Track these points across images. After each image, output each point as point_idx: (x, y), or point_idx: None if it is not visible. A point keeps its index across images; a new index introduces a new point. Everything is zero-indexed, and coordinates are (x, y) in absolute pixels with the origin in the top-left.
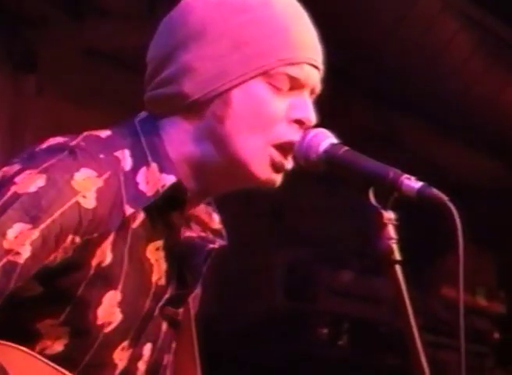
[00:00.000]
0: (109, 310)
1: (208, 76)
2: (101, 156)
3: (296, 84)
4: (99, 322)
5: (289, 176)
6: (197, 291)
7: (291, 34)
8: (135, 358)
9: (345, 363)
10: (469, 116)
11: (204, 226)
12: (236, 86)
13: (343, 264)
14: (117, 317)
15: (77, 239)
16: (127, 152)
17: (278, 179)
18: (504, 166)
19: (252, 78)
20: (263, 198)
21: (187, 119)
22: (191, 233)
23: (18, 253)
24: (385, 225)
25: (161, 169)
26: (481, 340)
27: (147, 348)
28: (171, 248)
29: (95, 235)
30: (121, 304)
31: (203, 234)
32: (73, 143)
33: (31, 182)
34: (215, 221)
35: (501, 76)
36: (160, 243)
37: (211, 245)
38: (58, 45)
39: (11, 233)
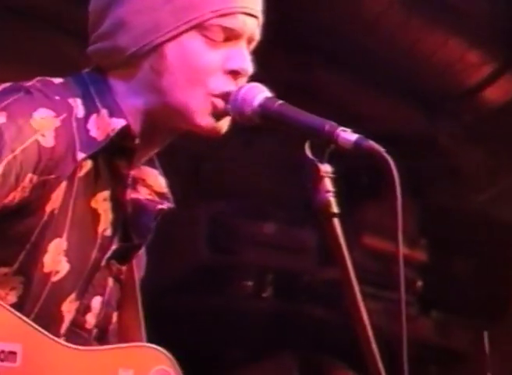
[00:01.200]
0: (56, 258)
1: (141, 30)
2: (57, 98)
3: (231, 35)
4: (46, 270)
5: None
6: (142, 254)
7: None
8: (83, 310)
9: (270, 315)
10: (389, 66)
11: (151, 189)
12: (170, 39)
13: (265, 215)
14: (64, 266)
15: (35, 178)
16: (79, 101)
17: (222, 126)
18: (424, 116)
19: (186, 31)
20: (182, 151)
21: (127, 72)
22: (138, 195)
23: None
24: (322, 178)
25: (111, 114)
26: (405, 288)
27: (95, 301)
28: (117, 200)
29: (52, 177)
30: (67, 253)
31: (149, 197)
32: (28, 84)
33: None
34: (162, 185)
35: (418, 25)
36: (107, 193)
37: (160, 206)
38: None
39: None
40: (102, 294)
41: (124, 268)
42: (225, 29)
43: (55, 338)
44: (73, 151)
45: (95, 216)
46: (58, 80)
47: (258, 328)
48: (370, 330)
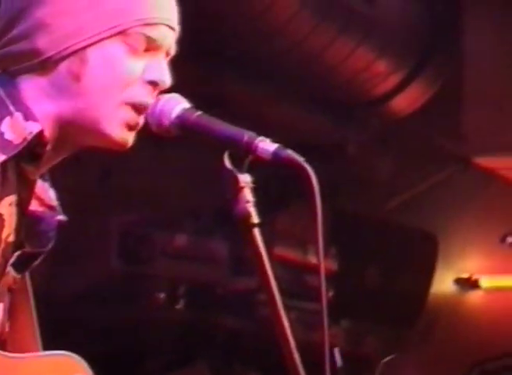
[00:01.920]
0: None
1: (62, 33)
2: None
3: (152, 46)
4: None
5: None
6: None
7: None
8: None
9: (183, 326)
10: (296, 74)
11: (41, 201)
12: (92, 44)
13: (177, 226)
14: None
15: None
16: None
17: (130, 138)
18: (333, 124)
19: (108, 37)
20: (91, 161)
21: (41, 76)
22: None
23: None
24: (241, 188)
25: (26, 118)
26: (316, 298)
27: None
28: (23, 206)
29: None
30: None
31: (40, 209)
32: None
33: None
34: (52, 197)
35: (327, 33)
36: (13, 198)
37: (59, 216)
38: None
39: None
40: (3, 302)
41: (18, 277)
42: (147, 38)
43: None
44: None
45: (1, 220)
46: None
47: (171, 339)
48: (292, 339)
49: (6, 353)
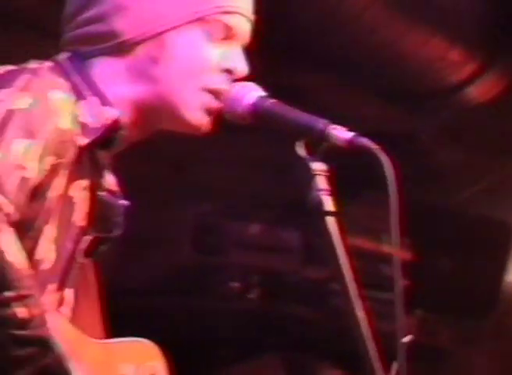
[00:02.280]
0: (48, 246)
1: (143, 17)
2: (60, 81)
3: (229, 34)
4: (37, 257)
5: None
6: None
7: None
8: (59, 302)
9: (256, 315)
10: (368, 64)
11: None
12: (172, 29)
13: (250, 216)
14: (51, 255)
15: (53, 161)
16: (68, 84)
17: (208, 122)
18: (406, 114)
19: (189, 23)
20: (165, 152)
21: (117, 58)
22: None
23: (25, 168)
24: (314, 176)
25: (103, 103)
26: (389, 287)
27: (69, 293)
28: (95, 190)
29: (62, 160)
30: (56, 241)
31: (103, 194)
32: (30, 67)
33: (19, 99)
34: (113, 183)
35: (400, 22)
36: (86, 182)
37: (123, 201)
38: None
39: (16, 149)
40: (74, 287)
41: (86, 261)
42: (226, 27)
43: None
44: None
45: (71, 204)
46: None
47: (244, 329)
48: (366, 328)
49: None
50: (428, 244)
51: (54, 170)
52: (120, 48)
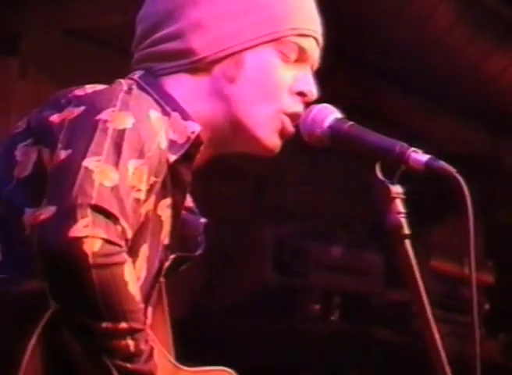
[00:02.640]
0: (141, 264)
1: (220, 35)
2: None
3: (302, 57)
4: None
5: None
6: None
7: (303, 6)
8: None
9: (337, 338)
10: (453, 85)
11: None
12: (248, 48)
13: (331, 238)
14: (143, 274)
15: (152, 180)
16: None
17: (279, 144)
18: (490, 136)
19: (265, 43)
20: (246, 172)
21: (193, 76)
22: None
23: (139, 190)
24: (393, 199)
25: (184, 118)
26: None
27: (150, 312)
28: (177, 208)
29: (158, 179)
30: (148, 259)
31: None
32: (120, 86)
33: (124, 119)
34: (188, 199)
35: (484, 45)
36: (169, 201)
37: (202, 219)
38: (40, 26)
39: (130, 169)
40: (152, 306)
41: (163, 281)
42: (300, 48)
43: None
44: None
45: (160, 222)
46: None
47: (326, 351)
48: (443, 352)
49: (176, 363)
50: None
51: (151, 190)
52: (197, 65)
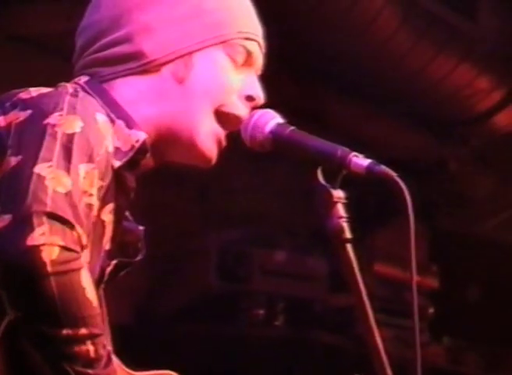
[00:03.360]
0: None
1: (170, 37)
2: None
3: (248, 61)
4: None
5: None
6: None
7: (247, 11)
8: None
9: (282, 343)
10: (397, 90)
11: None
12: (198, 50)
13: (274, 243)
14: None
15: (99, 184)
16: None
17: (215, 155)
18: (434, 141)
19: (213, 45)
20: (189, 179)
21: (141, 79)
22: None
23: (91, 194)
24: (334, 203)
25: (129, 126)
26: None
27: None
28: (120, 213)
29: (105, 183)
30: (89, 265)
31: None
32: (66, 89)
33: (71, 122)
34: None
35: (428, 50)
36: (112, 206)
37: (140, 227)
38: None
39: (81, 174)
40: None
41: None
42: (247, 52)
43: None
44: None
45: (103, 228)
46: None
47: (270, 356)
48: (385, 356)
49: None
50: (457, 272)
51: (97, 195)
52: (147, 67)
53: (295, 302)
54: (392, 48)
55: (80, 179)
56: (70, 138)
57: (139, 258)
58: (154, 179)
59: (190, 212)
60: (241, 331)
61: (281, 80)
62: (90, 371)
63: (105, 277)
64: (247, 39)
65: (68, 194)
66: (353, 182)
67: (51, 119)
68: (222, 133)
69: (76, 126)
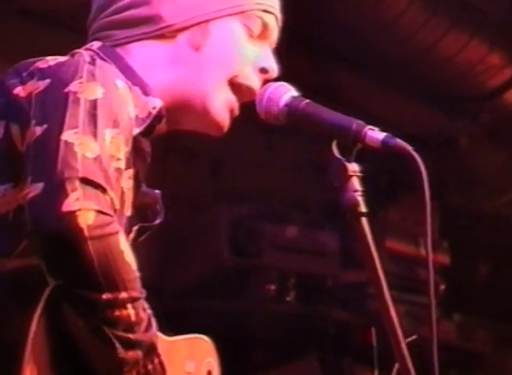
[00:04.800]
0: None
1: (188, 4)
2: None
3: (264, 33)
4: None
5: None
6: None
7: None
8: None
9: (293, 318)
10: (408, 67)
11: None
12: (215, 18)
13: (286, 218)
14: None
15: (125, 149)
16: None
17: (227, 123)
18: (445, 117)
19: (231, 15)
20: (202, 153)
21: (158, 43)
22: None
23: (119, 159)
24: (349, 177)
25: (145, 93)
26: (427, 291)
27: None
28: (139, 179)
29: (128, 149)
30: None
31: None
32: (83, 57)
33: (93, 89)
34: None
35: (438, 27)
36: (131, 171)
37: (157, 191)
38: None
39: (107, 139)
40: None
41: None
42: (264, 23)
43: None
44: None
45: (122, 194)
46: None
47: (282, 331)
48: (400, 330)
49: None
50: (467, 248)
51: (124, 159)
52: (163, 32)
53: (306, 278)
54: (404, 24)
55: (107, 143)
56: (93, 104)
57: (158, 221)
58: (167, 153)
59: (201, 186)
60: (252, 306)
61: (293, 54)
62: (130, 335)
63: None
64: (265, 11)
65: (97, 159)
66: (365, 157)
67: (72, 87)
68: (235, 102)
69: (98, 92)
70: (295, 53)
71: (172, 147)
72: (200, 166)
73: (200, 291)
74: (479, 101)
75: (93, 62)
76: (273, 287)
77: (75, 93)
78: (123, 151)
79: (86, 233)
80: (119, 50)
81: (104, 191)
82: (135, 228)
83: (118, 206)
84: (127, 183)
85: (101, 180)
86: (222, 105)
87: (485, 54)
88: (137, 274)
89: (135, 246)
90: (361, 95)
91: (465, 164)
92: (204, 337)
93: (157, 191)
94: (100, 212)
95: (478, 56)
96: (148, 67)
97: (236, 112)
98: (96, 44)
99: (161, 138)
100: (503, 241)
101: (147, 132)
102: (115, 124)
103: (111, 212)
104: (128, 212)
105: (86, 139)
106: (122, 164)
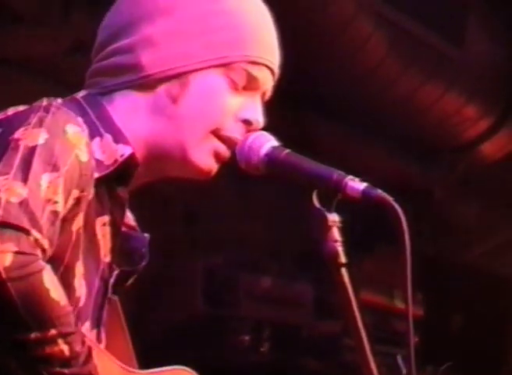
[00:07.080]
0: (80, 282)
1: (170, 54)
2: (73, 115)
3: (251, 85)
4: (77, 294)
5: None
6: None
7: (259, 33)
8: (98, 341)
9: (268, 369)
10: (384, 117)
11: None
12: (196, 70)
13: (261, 268)
14: (83, 291)
15: (76, 194)
16: (81, 120)
17: (215, 168)
18: (418, 165)
19: (213, 67)
20: (177, 201)
21: (138, 93)
22: None
23: (56, 202)
24: (330, 227)
25: (116, 141)
26: (401, 343)
27: (103, 335)
28: (116, 225)
29: (85, 194)
30: (85, 277)
31: (124, 229)
32: (42, 105)
33: (36, 135)
34: (131, 218)
35: (415, 77)
36: (106, 218)
37: (146, 234)
38: None
39: (44, 183)
40: (105, 324)
41: (114, 298)
42: (249, 76)
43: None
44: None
45: (95, 241)
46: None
47: None
48: None
49: (128, 367)
50: (441, 300)
51: (78, 204)
52: (143, 82)
53: (281, 328)
54: (381, 74)
55: (43, 188)
56: (32, 150)
57: (143, 264)
58: (142, 200)
59: (176, 236)
60: (227, 357)
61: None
62: (66, 371)
63: (110, 290)
64: (253, 63)
65: (23, 203)
66: (340, 207)
67: (17, 134)
68: (223, 148)
69: (40, 138)
70: (273, 104)
71: (146, 194)
72: (175, 215)
73: (173, 340)
74: (455, 152)
75: (48, 107)
76: (247, 337)
77: (17, 140)
78: (61, 194)
79: (3, 275)
80: (104, 98)
81: (27, 232)
82: (115, 273)
83: (48, 246)
84: (102, 229)
85: (23, 223)
86: (204, 153)
87: (460, 106)
88: (68, 310)
89: (119, 291)
90: (338, 145)
91: (440, 215)
92: (187, 368)
93: (145, 235)
94: (19, 252)
95: (454, 108)
96: (129, 117)
97: (226, 156)
98: (82, 93)
99: (139, 190)
100: (477, 293)
101: (120, 179)
102: (55, 168)
103: (35, 251)
104: (107, 258)
105: (13, 184)
106: (60, 207)
